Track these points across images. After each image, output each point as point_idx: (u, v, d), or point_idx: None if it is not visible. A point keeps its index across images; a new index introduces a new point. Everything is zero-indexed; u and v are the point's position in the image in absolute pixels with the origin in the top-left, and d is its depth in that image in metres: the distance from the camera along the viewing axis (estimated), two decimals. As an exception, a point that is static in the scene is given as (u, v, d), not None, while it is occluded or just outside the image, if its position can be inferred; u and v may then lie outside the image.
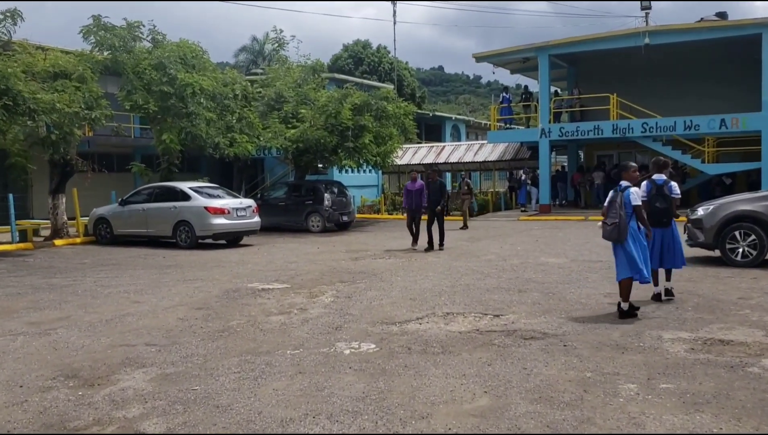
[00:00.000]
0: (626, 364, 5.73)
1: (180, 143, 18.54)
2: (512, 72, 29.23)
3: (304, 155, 21.15)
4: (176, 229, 16.60)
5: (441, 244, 15.02)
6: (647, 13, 25.00)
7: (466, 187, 22.81)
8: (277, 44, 24.24)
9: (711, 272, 10.71)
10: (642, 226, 7.56)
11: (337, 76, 29.87)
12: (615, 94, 24.52)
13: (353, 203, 21.90)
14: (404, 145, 34.58)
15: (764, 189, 20.52)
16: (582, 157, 30.90)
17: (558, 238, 16.78)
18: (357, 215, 27.88)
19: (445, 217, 15.33)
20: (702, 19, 25.50)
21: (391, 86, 34.28)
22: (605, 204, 7.88)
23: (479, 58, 26.50)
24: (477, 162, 31.73)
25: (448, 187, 30.93)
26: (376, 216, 27.74)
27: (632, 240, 7.50)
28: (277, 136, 20.05)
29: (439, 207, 15.05)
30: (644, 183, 8.51)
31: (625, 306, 7.63)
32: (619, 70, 26.48)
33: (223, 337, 7.04)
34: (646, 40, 22.98)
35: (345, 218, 21.07)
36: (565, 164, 31.68)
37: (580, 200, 27.99)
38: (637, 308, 7.70)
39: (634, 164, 7.94)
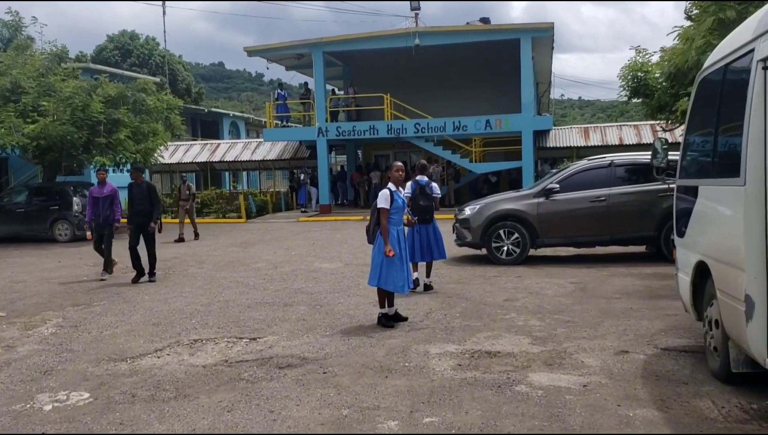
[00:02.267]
0: (389, 393, 4.97)
1: None
2: (288, 68, 28.38)
3: (47, 154, 18.33)
4: None
5: (152, 275, 10.75)
6: (417, 14, 25.54)
7: (187, 192, 17.74)
8: (13, 28, 20.88)
9: (479, 272, 10.62)
10: (381, 233, 6.96)
11: (92, 66, 26.76)
12: (389, 95, 24.71)
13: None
14: (175, 143, 32.33)
15: (525, 187, 21.82)
16: (361, 156, 30.99)
17: (335, 240, 16.19)
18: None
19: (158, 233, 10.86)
20: (468, 23, 26.66)
21: (157, 79, 31.68)
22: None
23: (251, 52, 25.24)
24: (255, 161, 30.45)
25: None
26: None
27: (378, 249, 6.90)
28: (12, 132, 17.05)
29: (153, 223, 10.60)
30: (409, 183, 8.80)
31: (381, 313, 7.12)
32: (393, 70, 26.80)
33: None
34: (417, 41, 23.39)
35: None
36: (345, 164, 31.59)
37: (359, 200, 27.96)
38: (393, 320, 7.13)
39: (399, 163, 7.36)
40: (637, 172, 11.37)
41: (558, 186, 11.26)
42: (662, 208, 10.81)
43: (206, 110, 46.26)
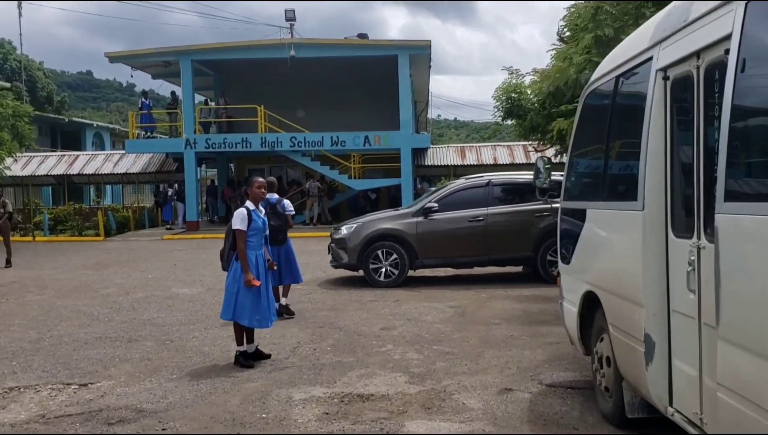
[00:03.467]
0: (240, 457, 4.11)
1: None
2: (154, 76, 26.64)
3: None
4: None
5: None
6: (292, 25, 24.76)
7: (1, 209, 14.61)
8: None
9: (355, 296, 9.92)
10: (238, 258, 6.05)
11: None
12: (262, 106, 23.68)
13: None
14: (28, 154, 29.54)
15: (404, 205, 21.49)
16: (233, 170, 29.61)
17: (200, 261, 14.96)
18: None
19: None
20: (346, 38, 26.18)
21: (7, 84, 28.85)
22: None
23: (113, 58, 23.39)
24: (118, 174, 28.35)
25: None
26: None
27: (233, 278, 6.04)
28: None
29: None
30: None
31: (238, 351, 6.23)
32: (268, 81, 25.78)
33: None
34: (292, 53, 22.57)
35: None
36: (216, 178, 30.09)
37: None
38: (254, 358, 6.26)
39: (260, 179, 6.51)
40: (514, 192, 11.17)
41: (437, 205, 10.81)
42: (539, 228, 10.64)
43: (66, 120, 42.98)
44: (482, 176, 11.39)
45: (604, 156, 4.51)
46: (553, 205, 10.77)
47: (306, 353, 6.62)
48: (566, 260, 5.28)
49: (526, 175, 11.70)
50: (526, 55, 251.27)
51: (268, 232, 6.46)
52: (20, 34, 45.44)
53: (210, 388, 5.53)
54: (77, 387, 5.61)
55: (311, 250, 16.19)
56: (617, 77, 4.33)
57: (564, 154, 21.75)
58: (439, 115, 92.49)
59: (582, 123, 5.25)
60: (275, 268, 6.53)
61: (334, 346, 6.91)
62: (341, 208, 27.29)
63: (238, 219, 6.03)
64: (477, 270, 11.57)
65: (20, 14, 58.43)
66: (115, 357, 6.56)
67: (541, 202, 10.82)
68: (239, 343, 6.20)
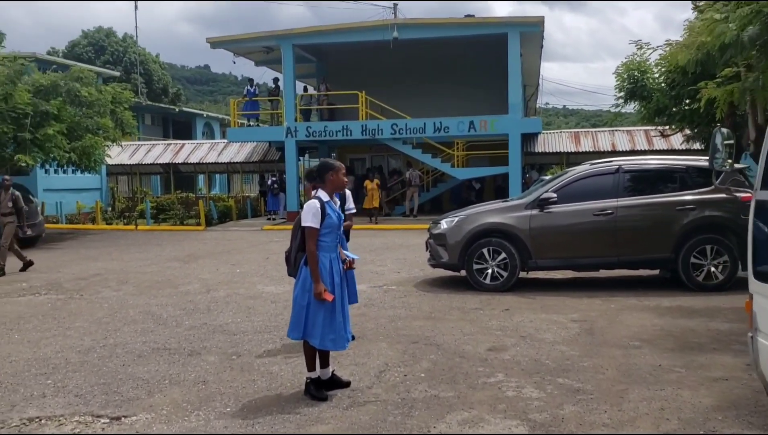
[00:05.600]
0: None
1: None
2: (257, 63, 26.12)
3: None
4: None
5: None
6: (395, 5, 23.48)
7: (9, 204, 12.18)
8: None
9: (456, 302, 8.48)
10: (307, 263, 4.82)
11: (40, 56, 24.27)
12: (364, 93, 22.57)
13: (39, 213, 17.13)
14: (136, 142, 30.03)
15: (512, 195, 19.76)
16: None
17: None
18: (66, 226, 22.94)
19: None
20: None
21: (116, 73, 29.37)
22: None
23: (214, 44, 22.95)
24: (222, 163, 28.18)
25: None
26: (89, 226, 22.90)
27: (302, 287, 4.77)
28: None
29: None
30: None
31: (309, 378, 5.01)
32: (369, 66, 24.67)
33: None
34: (395, 34, 21.27)
35: (29, 232, 16.27)
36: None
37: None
38: (328, 387, 5.00)
39: (340, 163, 5.20)
40: (651, 180, 9.33)
41: (555, 195, 9.16)
42: (681, 225, 8.81)
43: (177, 110, 43.87)
44: (611, 161, 9.59)
45: None
46: (738, 196, 8.93)
47: (394, 381, 5.28)
48: (765, 277, 3.64)
49: (665, 161, 9.82)
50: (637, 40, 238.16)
51: (342, 230, 5.17)
52: (136, 27, 46.63)
53: (267, 429, 4.30)
54: (107, 422, 4.53)
55: (410, 244, 14.91)
56: None
57: (692, 140, 19.37)
58: (547, 103, 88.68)
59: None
60: (354, 266, 5.17)
61: (429, 371, 5.53)
62: (443, 198, 25.85)
63: (309, 213, 4.76)
64: (602, 273, 9.83)
65: (136, 7, 60.69)
66: (166, 377, 5.49)
67: (684, 193, 8.99)
68: (311, 368, 4.95)
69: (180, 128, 44.28)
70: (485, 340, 6.54)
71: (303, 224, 4.79)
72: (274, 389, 5.14)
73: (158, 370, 5.70)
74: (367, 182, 21.72)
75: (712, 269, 8.74)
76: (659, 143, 22.87)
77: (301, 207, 5.03)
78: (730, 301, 8.10)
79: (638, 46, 16.54)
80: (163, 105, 44.73)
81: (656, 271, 9.77)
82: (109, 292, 9.71)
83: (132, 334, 7.04)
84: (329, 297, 4.67)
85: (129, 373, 5.63)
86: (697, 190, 8.96)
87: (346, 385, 5.09)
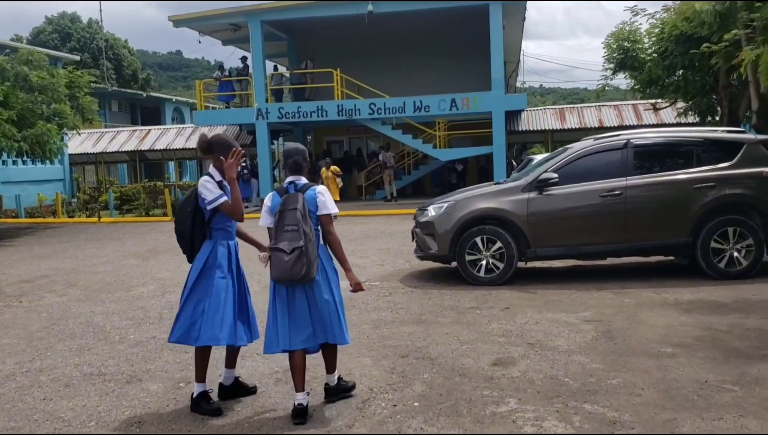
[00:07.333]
0: None
1: None
2: (224, 43, 24.72)
3: None
4: None
5: None
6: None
7: None
8: None
9: (449, 300, 7.41)
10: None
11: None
12: (339, 70, 21.32)
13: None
14: (100, 130, 28.56)
15: (497, 177, 18.72)
16: (312, 144, 27.51)
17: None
18: (25, 220, 21.49)
19: None
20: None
21: (76, 57, 27.75)
22: (268, 215, 4.02)
23: (177, 22, 21.48)
24: (191, 149, 26.76)
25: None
26: (50, 220, 21.45)
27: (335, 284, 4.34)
28: None
29: None
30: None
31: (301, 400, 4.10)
32: (344, 43, 23.39)
33: None
34: (370, 8, 20.00)
35: (-24, 229, 14.98)
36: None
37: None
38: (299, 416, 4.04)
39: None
40: (664, 155, 8.32)
41: (556, 176, 8.09)
42: (700, 205, 7.82)
43: (145, 95, 42.19)
44: (618, 135, 8.52)
45: None
46: (763, 171, 7.89)
47: (381, 414, 4.19)
48: None
49: (679, 133, 8.77)
50: (613, 17, 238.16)
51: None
52: (100, 11, 44.85)
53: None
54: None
55: (393, 232, 13.83)
56: None
57: (686, 114, 18.46)
58: (523, 82, 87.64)
59: None
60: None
61: (424, 397, 4.44)
62: (424, 181, 24.77)
63: (326, 200, 4.38)
64: (608, 260, 8.81)
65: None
66: (93, 416, 4.34)
67: (702, 169, 7.98)
68: (299, 388, 3.85)
69: (148, 114, 42.69)
70: (487, 350, 5.47)
71: (332, 211, 4.32)
72: (231, 430, 4.02)
73: (86, 405, 4.55)
74: (322, 170, 18.89)
75: (735, 254, 7.77)
76: (649, 117, 21.91)
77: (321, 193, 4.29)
78: (760, 291, 7.13)
79: (634, 13, 15.53)
80: (130, 90, 42.97)
81: (671, 258, 8.77)
82: (52, 298, 8.49)
83: (65, 353, 5.86)
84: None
85: (49, 411, 4.47)
86: (716, 166, 7.95)
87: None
